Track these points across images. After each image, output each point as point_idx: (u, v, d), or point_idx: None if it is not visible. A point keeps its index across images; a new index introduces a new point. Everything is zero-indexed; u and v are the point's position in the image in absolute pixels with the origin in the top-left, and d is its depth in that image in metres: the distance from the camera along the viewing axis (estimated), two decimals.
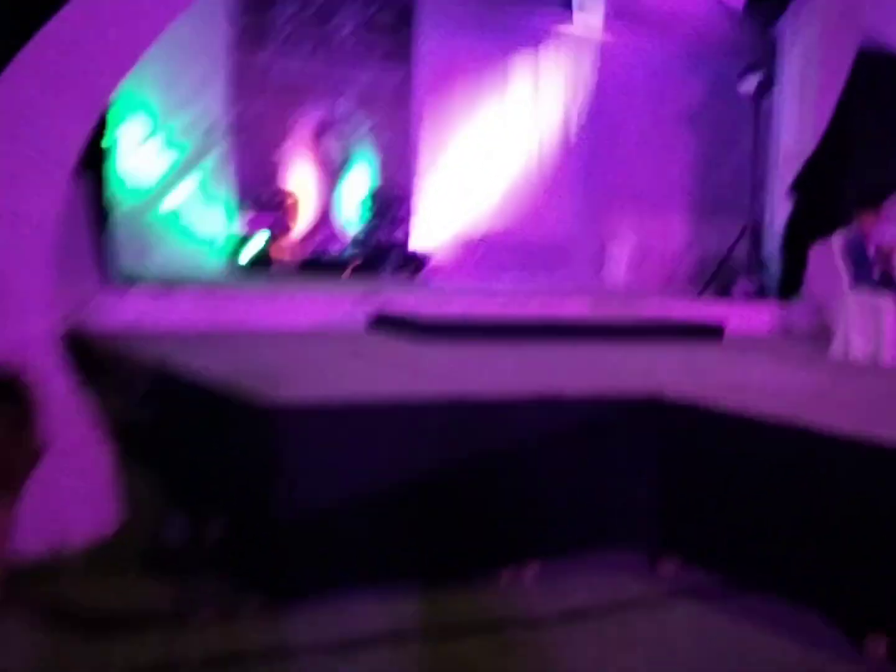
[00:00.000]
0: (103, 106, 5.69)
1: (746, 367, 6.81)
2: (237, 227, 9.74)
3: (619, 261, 11.70)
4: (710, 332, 8.17)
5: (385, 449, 4.54)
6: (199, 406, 4.97)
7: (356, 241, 10.37)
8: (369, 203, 10.51)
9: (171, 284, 7.12)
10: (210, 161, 9.55)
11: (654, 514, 5.08)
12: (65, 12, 5.17)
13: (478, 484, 4.75)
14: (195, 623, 3.95)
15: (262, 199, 9.96)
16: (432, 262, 10.53)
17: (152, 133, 9.15)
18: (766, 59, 10.46)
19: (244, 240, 9.69)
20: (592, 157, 11.91)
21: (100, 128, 6.10)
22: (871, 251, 7.97)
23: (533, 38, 11.71)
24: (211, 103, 9.60)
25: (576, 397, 5.04)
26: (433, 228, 10.97)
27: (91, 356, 5.26)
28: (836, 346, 7.77)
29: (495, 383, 5.27)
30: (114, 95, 5.78)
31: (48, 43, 5.06)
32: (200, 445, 4.92)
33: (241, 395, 4.58)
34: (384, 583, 4.41)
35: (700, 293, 10.31)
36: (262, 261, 9.63)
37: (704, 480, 5.00)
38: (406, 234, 10.73)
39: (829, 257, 8.53)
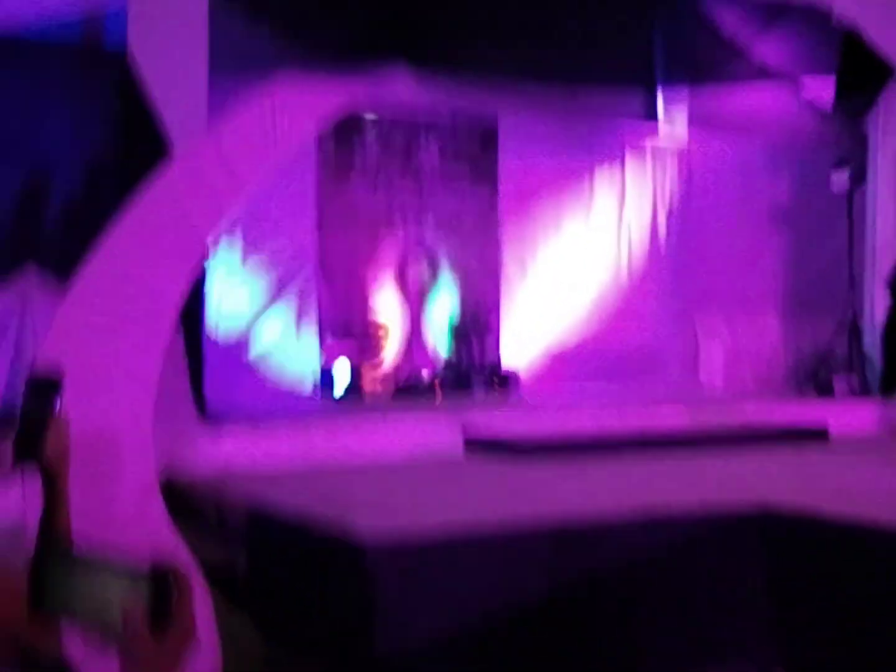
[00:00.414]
0: (203, 256, 5.86)
1: (854, 470, 6.59)
2: (327, 358, 9.81)
3: (714, 364, 11.53)
4: (814, 435, 7.95)
5: (487, 579, 4.50)
6: (296, 545, 4.97)
7: (446, 364, 10.40)
8: (457, 325, 10.57)
9: (264, 421, 7.18)
10: (299, 292, 9.69)
11: (767, 629, 4.93)
12: (163, 171, 5.40)
13: (585, 608, 4.68)
14: None
15: (351, 328, 10.07)
16: (524, 379, 10.48)
17: (241, 266, 9.33)
18: (856, 154, 10.34)
19: (335, 371, 9.73)
20: (681, 260, 11.85)
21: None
22: None
23: (617, 150, 11.78)
24: (299, 235, 9.81)
25: (682, 513, 4.96)
26: (523, 344, 10.95)
27: (186, 501, 5.31)
28: None
29: (598, 503, 5.22)
30: (212, 242, 5.96)
31: (149, 199, 5.27)
32: (299, 586, 4.90)
33: (338, 531, 4.57)
34: None
35: (800, 393, 10.08)
36: (353, 391, 9.63)
37: (818, 594, 4.83)
38: (496, 353, 10.74)
39: None
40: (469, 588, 4.43)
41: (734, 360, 11.45)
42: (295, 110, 6.09)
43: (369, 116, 10.31)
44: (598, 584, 4.69)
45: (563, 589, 4.62)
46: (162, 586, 1.51)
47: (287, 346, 9.54)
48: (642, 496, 5.41)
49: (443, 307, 10.68)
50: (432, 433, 7.42)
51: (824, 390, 9.69)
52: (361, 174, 10.33)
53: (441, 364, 10.42)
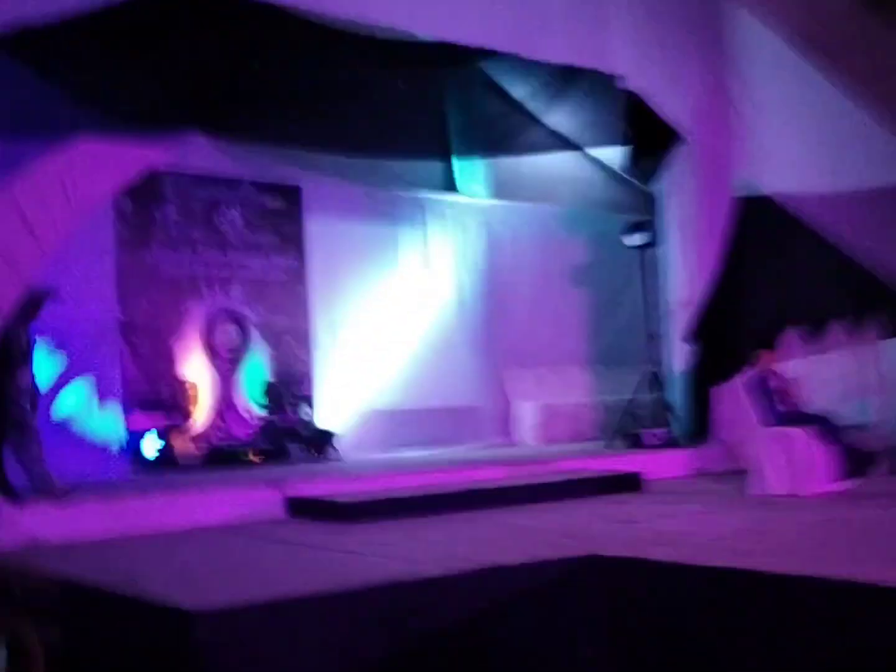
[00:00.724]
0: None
1: (672, 515, 6.73)
2: (136, 425, 9.48)
3: (526, 420, 11.68)
4: (628, 483, 8.12)
5: (324, 642, 4.29)
6: (117, 617, 4.63)
7: (261, 427, 10.19)
8: (271, 387, 10.42)
9: (72, 493, 6.78)
10: (101, 365, 9.31)
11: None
12: None
13: (427, 663, 4.51)
14: None
15: (159, 395, 9.79)
16: (340, 440, 10.36)
17: (41, 337, 8.86)
18: (648, 213, 10.77)
19: (144, 437, 9.43)
20: (488, 321, 12.06)
21: None
22: (774, 387, 8.08)
23: (419, 218, 11.94)
24: (99, 305, 9.46)
25: (516, 565, 4.90)
26: (337, 406, 10.87)
27: None
28: (753, 484, 7.76)
29: (428, 559, 5.09)
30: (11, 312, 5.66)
31: None
32: (121, 660, 4.56)
33: (158, 602, 4.29)
34: None
35: (610, 445, 10.30)
36: (165, 457, 9.37)
37: (655, 634, 4.84)
38: (310, 415, 10.60)
39: (733, 399, 8.61)
40: (305, 651, 4.22)
41: (546, 415, 11.63)
42: (91, 171, 5.88)
43: (169, 183, 10.09)
44: (436, 640, 4.56)
45: (401, 648, 4.47)
46: (15, 654, 1.46)
47: (91, 419, 9.13)
48: (473, 550, 5.35)
49: (256, 369, 10.53)
50: (251, 498, 7.16)
51: (634, 442, 9.90)
52: (163, 242, 10.11)
53: (256, 426, 10.23)
